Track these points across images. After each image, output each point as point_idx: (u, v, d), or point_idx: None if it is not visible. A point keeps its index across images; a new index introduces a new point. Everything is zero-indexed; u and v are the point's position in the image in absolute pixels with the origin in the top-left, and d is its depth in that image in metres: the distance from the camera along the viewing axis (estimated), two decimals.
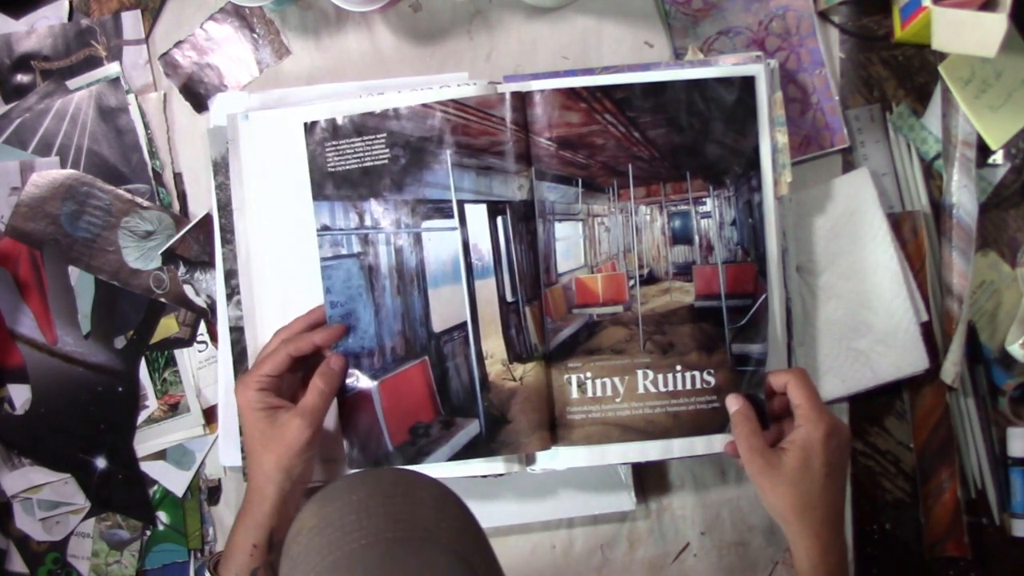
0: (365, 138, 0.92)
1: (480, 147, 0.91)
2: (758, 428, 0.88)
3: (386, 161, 0.92)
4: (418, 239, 0.92)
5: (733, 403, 0.90)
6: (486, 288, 0.92)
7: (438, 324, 0.92)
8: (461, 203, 0.91)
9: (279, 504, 0.87)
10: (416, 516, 0.65)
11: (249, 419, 0.89)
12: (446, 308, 0.92)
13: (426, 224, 0.92)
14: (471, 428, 0.91)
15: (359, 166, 0.92)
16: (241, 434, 0.95)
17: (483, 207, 0.92)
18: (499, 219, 0.92)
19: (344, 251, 0.93)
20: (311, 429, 0.87)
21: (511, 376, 0.91)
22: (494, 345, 0.91)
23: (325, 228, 0.93)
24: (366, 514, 0.65)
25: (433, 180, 0.91)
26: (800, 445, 0.85)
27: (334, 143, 0.92)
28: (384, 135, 0.91)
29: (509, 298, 0.92)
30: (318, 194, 0.92)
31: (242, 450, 0.95)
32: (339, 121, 0.92)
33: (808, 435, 0.84)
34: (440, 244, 0.92)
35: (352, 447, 0.92)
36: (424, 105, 0.91)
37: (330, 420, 0.93)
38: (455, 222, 0.91)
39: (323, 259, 0.93)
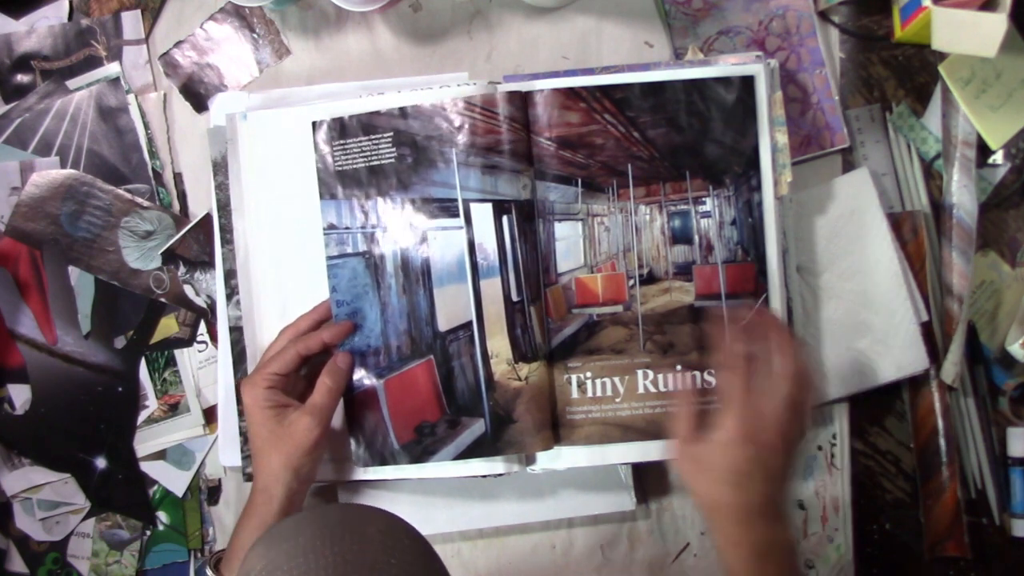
0: (372, 137, 0.92)
1: (486, 146, 0.91)
2: (688, 429, 0.86)
3: (392, 160, 0.92)
4: (424, 238, 0.92)
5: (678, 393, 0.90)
6: (491, 287, 0.91)
7: (443, 323, 0.92)
8: (467, 202, 0.91)
9: (286, 504, 0.87)
10: (365, 555, 0.64)
11: (257, 418, 0.89)
12: (451, 307, 0.92)
13: (432, 223, 0.92)
14: (476, 427, 0.91)
15: (365, 165, 0.92)
16: (242, 434, 0.95)
17: (489, 206, 0.91)
18: (504, 218, 0.92)
19: (350, 250, 0.93)
20: (320, 427, 0.88)
21: (516, 376, 0.91)
22: (499, 344, 0.91)
23: (331, 227, 0.93)
24: (313, 556, 0.63)
25: (439, 179, 0.91)
26: (718, 446, 0.82)
27: (341, 142, 0.92)
28: (391, 134, 0.91)
29: (514, 297, 0.92)
30: (325, 193, 0.93)
31: (242, 449, 0.95)
32: (346, 120, 0.92)
33: (724, 435, 0.82)
34: (446, 243, 0.92)
35: (359, 446, 0.92)
36: (430, 104, 0.91)
37: (337, 419, 0.93)
38: (461, 221, 0.91)
39: (329, 258, 0.93)
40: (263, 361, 0.92)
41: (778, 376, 0.82)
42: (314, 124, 0.93)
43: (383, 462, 0.92)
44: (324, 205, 0.93)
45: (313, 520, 0.67)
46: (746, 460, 0.81)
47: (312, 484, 0.92)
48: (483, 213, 0.92)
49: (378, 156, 0.92)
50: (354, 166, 0.92)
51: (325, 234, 0.93)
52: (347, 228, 0.93)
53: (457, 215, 0.91)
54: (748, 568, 0.82)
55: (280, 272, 0.96)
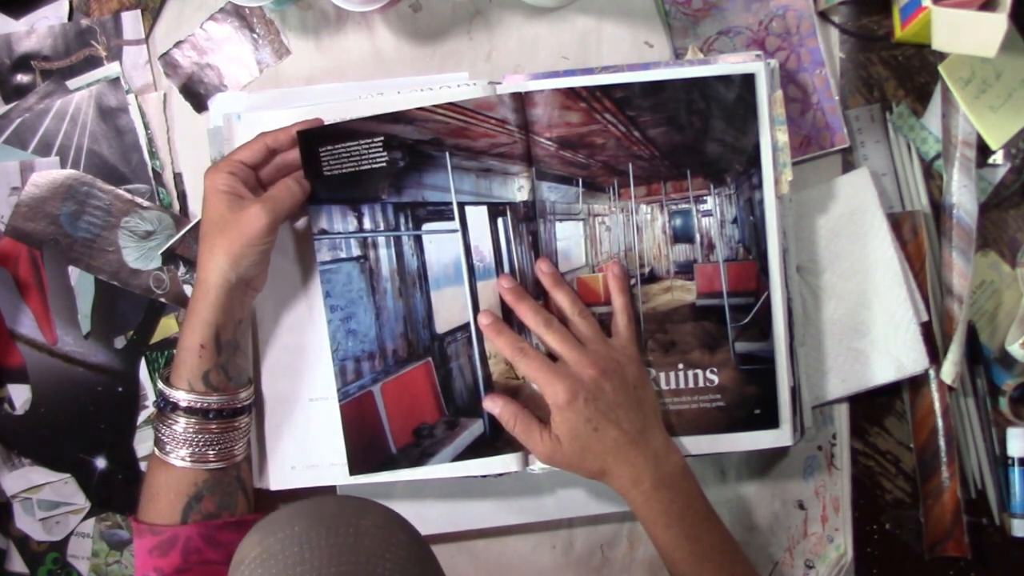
0: (361, 142, 0.91)
1: (479, 149, 0.91)
2: (529, 422, 0.89)
3: (384, 164, 0.91)
4: (419, 241, 0.92)
5: (492, 407, 0.91)
6: (488, 289, 0.92)
7: (441, 325, 0.92)
8: (461, 205, 0.91)
9: (224, 297, 0.87)
10: (360, 548, 0.65)
11: (211, 201, 0.88)
12: (449, 309, 0.92)
13: (427, 227, 0.92)
14: (475, 428, 0.91)
15: (356, 169, 0.92)
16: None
17: (483, 209, 0.92)
18: (500, 220, 0.92)
19: (343, 255, 0.92)
20: (269, 217, 0.86)
21: (515, 375, 0.91)
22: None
23: (323, 232, 0.92)
24: (308, 547, 0.64)
25: (432, 183, 0.91)
26: (557, 423, 0.86)
27: (329, 147, 0.92)
28: (381, 138, 0.91)
29: None
30: (314, 198, 0.92)
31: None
32: (334, 127, 0.92)
33: (555, 411, 0.86)
34: (441, 246, 0.92)
35: (354, 451, 0.92)
36: (421, 108, 0.91)
37: (332, 427, 0.93)
38: (456, 224, 0.91)
39: (321, 263, 0.92)
40: (232, 152, 0.91)
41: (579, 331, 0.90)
42: (300, 134, 0.91)
43: (381, 467, 0.92)
44: (314, 210, 0.92)
45: (309, 510, 0.67)
46: (586, 411, 0.85)
47: (256, 290, 0.92)
48: (478, 216, 0.92)
49: (369, 160, 0.91)
50: (343, 171, 0.92)
51: (316, 239, 0.92)
52: (339, 233, 0.92)
53: (452, 218, 0.91)
54: (649, 501, 0.86)
55: (279, 271, 0.96)
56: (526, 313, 0.90)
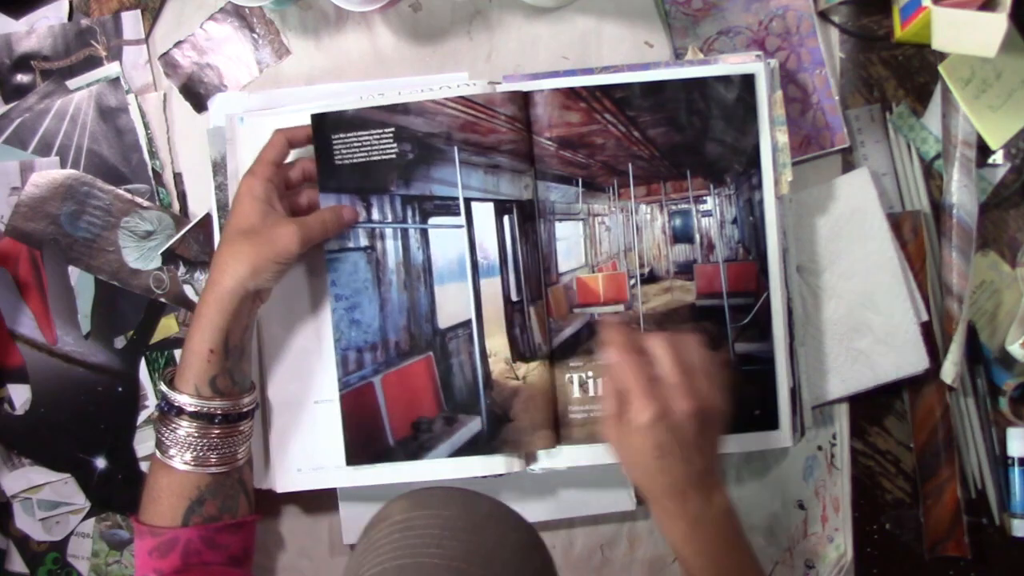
0: (373, 132, 0.91)
1: (488, 145, 0.91)
2: (613, 408, 0.83)
3: (394, 156, 0.91)
4: (425, 235, 0.92)
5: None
6: (491, 287, 0.92)
7: (443, 320, 0.92)
8: (468, 201, 0.92)
9: (236, 305, 0.86)
10: (494, 557, 0.64)
11: (245, 206, 0.88)
12: (452, 305, 0.92)
13: (433, 220, 0.92)
14: (473, 425, 0.91)
15: (366, 159, 0.92)
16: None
17: (490, 205, 0.92)
18: (505, 218, 0.92)
19: (351, 244, 0.93)
20: (300, 242, 0.86)
21: (514, 375, 0.91)
22: (498, 343, 0.91)
23: None
24: (449, 534, 0.64)
25: (440, 177, 0.91)
26: (629, 432, 0.80)
27: (342, 135, 0.92)
28: (392, 129, 0.91)
29: (514, 297, 0.92)
30: (325, 186, 0.92)
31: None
32: (346, 114, 0.92)
33: (633, 425, 0.79)
34: (447, 241, 0.92)
35: (353, 441, 0.92)
36: (433, 101, 0.91)
37: (331, 426, 0.93)
38: (462, 219, 0.92)
39: (328, 251, 0.93)
40: (257, 157, 0.91)
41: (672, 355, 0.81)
42: (314, 117, 0.92)
43: (377, 458, 0.92)
44: (324, 198, 0.93)
45: (465, 501, 0.67)
46: (661, 438, 0.78)
47: (262, 301, 0.91)
48: (484, 212, 0.92)
49: (379, 151, 0.91)
50: (354, 160, 0.92)
51: None
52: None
53: (458, 213, 0.92)
54: (687, 538, 0.80)
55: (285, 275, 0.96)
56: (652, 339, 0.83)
